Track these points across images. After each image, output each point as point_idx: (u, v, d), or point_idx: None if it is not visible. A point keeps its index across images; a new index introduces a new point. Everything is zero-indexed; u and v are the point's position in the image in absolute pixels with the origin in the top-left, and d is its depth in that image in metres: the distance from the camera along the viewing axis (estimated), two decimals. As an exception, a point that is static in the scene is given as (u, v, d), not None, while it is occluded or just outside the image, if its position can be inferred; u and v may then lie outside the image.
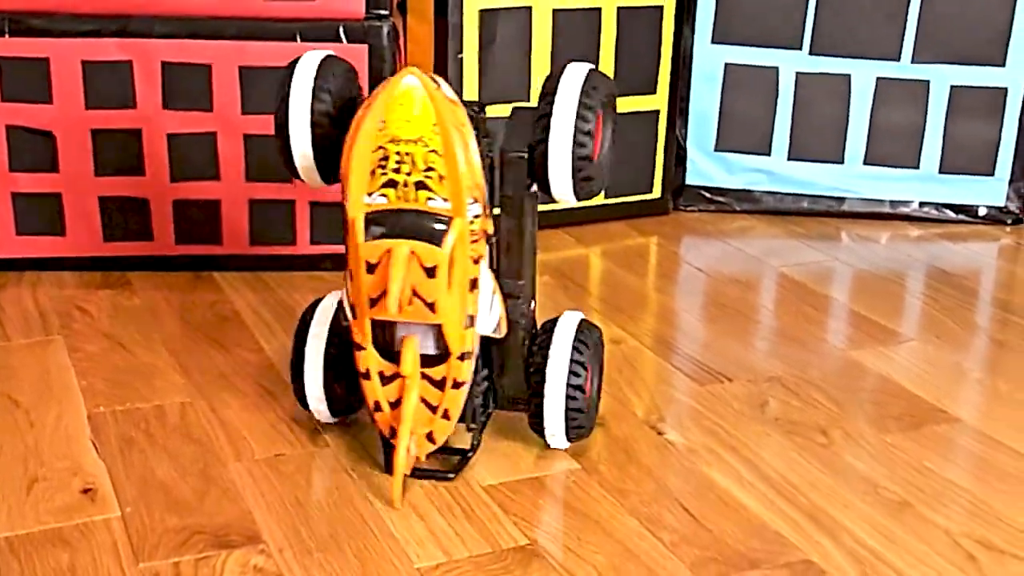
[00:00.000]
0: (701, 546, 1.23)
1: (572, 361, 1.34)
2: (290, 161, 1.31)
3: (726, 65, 2.16)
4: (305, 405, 1.39)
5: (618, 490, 1.32)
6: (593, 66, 1.31)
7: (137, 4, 1.74)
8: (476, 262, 1.25)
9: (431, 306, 1.22)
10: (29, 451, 1.37)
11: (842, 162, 2.20)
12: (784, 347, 1.70)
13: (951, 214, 2.22)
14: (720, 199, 2.24)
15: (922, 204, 2.22)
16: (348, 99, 1.31)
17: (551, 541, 1.23)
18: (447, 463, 1.34)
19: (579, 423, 1.35)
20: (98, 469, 1.33)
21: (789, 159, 2.20)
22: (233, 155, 1.80)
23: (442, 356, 1.26)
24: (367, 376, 1.27)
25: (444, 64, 1.93)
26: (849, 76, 2.16)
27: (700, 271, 1.98)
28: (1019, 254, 2.11)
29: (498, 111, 1.80)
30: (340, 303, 1.34)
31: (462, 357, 1.26)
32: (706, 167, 2.22)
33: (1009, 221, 2.22)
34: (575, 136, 1.26)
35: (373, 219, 1.22)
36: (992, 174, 2.20)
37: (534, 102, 1.33)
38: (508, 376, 1.37)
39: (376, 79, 1.77)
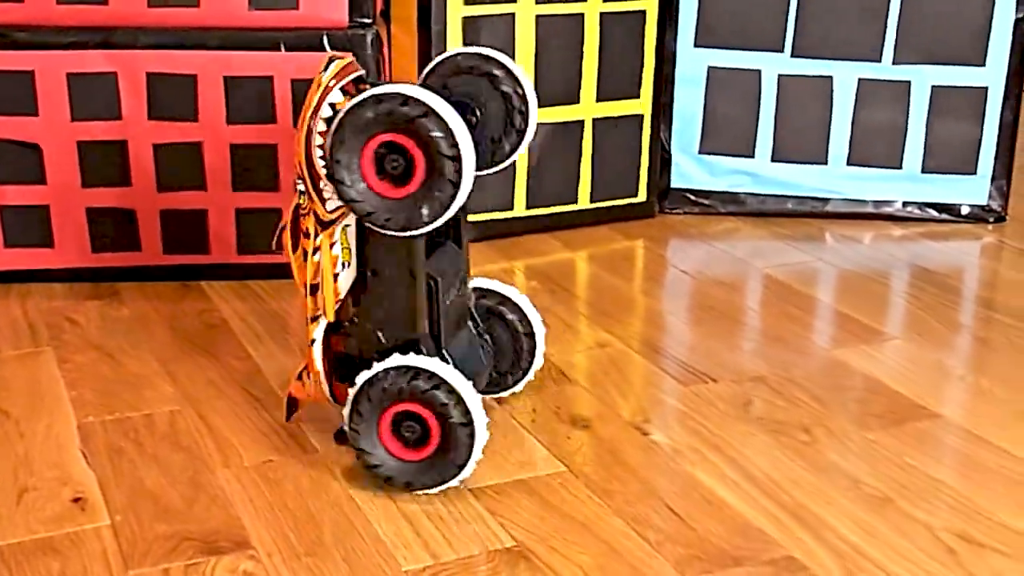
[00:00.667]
0: (686, 544, 1.24)
1: None
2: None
3: (709, 68, 2.18)
4: None
5: (604, 491, 1.33)
6: None
7: (121, 16, 1.76)
8: (307, 236, 1.33)
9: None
10: (19, 461, 1.38)
11: (825, 163, 2.22)
12: (768, 347, 1.71)
13: (934, 213, 2.24)
14: (705, 201, 2.25)
15: (905, 204, 2.24)
16: None
17: (537, 542, 1.24)
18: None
19: None
20: (88, 478, 1.35)
21: (773, 161, 2.22)
22: (219, 165, 1.82)
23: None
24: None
25: (428, 72, 1.94)
26: (831, 78, 2.18)
27: (686, 273, 2.00)
28: (1002, 252, 2.13)
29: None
30: None
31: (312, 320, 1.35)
32: (690, 170, 2.24)
33: (991, 219, 2.24)
34: None
35: None
36: (974, 173, 2.22)
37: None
38: None
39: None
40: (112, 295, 1.84)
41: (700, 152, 2.22)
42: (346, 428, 1.32)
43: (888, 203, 2.24)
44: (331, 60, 1.32)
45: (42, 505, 1.29)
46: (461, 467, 1.29)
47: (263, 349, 1.67)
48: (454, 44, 1.95)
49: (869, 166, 2.22)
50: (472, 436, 1.28)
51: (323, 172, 1.28)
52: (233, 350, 1.66)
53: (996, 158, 2.21)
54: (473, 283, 1.49)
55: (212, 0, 1.75)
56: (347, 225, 1.32)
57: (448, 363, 1.33)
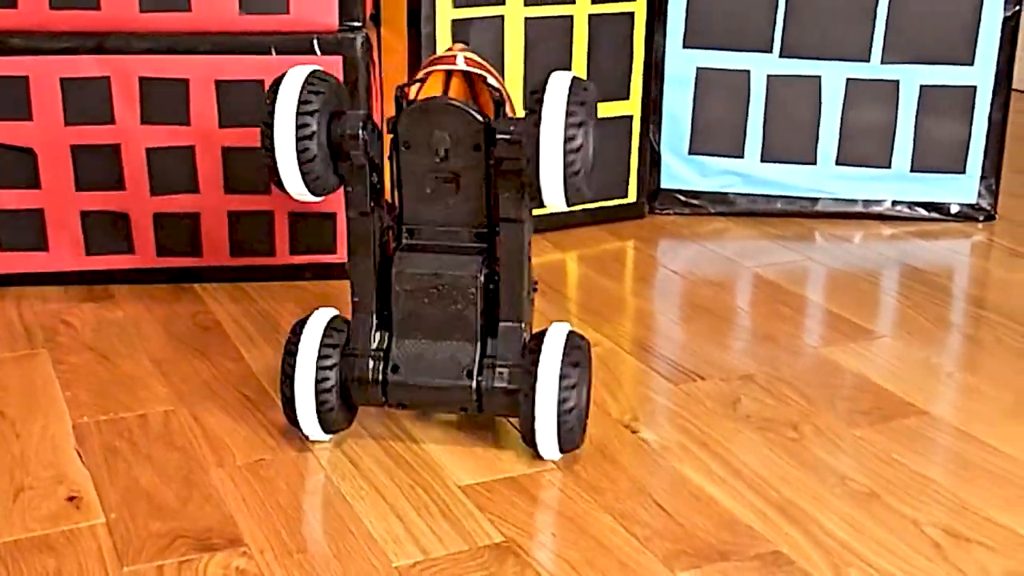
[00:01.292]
0: (673, 540, 1.26)
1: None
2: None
3: (698, 69, 2.20)
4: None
5: (593, 488, 1.35)
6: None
7: (114, 21, 1.77)
8: None
9: None
10: (15, 461, 1.39)
11: (815, 163, 2.23)
12: (757, 346, 1.73)
13: (923, 212, 2.26)
14: (695, 202, 2.27)
15: (895, 203, 2.26)
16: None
17: (526, 538, 1.26)
18: None
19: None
20: (83, 477, 1.36)
21: (762, 161, 2.23)
22: (211, 168, 1.83)
23: None
24: None
25: (418, 74, 1.96)
26: (820, 78, 2.19)
27: (676, 273, 2.01)
28: (991, 250, 2.14)
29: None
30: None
31: None
32: (680, 170, 2.25)
33: (981, 218, 2.25)
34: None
35: None
36: (963, 172, 2.23)
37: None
38: None
39: (350, 90, 1.80)
40: (106, 297, 1.85)
41: (690, 153, 2.24)
42: None
43: (878, 202, 2.26)
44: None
45: (38, 504, 1.31)
46: None
47: (255, 350, 1.68)
48: (444, 47, 1.96)
49: (858, 166, 2.23)
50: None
51: None
52: (226, 351, 1.68)
53: (985, 157, 2.22)
54: None
55: (203, 5, 1.77)
56: None
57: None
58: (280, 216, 1.87)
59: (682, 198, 2.26)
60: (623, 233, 2.18)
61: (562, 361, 1.33)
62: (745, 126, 2.22)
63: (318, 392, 1.36)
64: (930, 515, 1.31)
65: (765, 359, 1.68)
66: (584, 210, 2.18)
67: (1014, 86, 2.23)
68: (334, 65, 1.79)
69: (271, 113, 1.31)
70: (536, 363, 1.33)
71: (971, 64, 2.18)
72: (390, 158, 1.37)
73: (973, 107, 2.20)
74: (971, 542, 1.26)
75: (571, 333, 1.38)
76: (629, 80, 2.15)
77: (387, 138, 1.37)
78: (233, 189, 1.84)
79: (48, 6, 1.75)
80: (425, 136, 1.33)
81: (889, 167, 2.23)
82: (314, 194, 1.34)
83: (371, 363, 1.37)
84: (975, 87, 2.19)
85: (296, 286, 1.89)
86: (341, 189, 1.36)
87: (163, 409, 1.52)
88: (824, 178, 2.24)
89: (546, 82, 1.31)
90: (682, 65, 2.19)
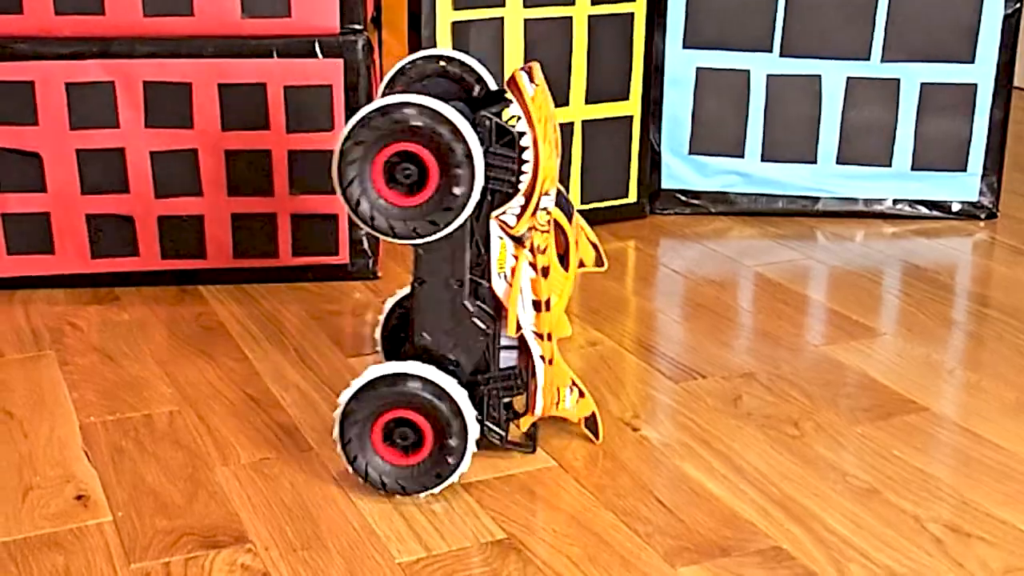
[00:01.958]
0: (675, 536, 1.27)
1: None
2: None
3: (697, 69, 2.20)
4: None
5: (594, 485, 1.36)
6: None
7: (118, 26, 1.78)
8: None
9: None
10: (24, 461, 1.41)
11: (815, 162, 2.24)
12: (758, 344, 1.74)
13: (925, 210, 2.26)
14: (695, 202, 2.27)
15: (896, 201, 2.26)
16: None
17: (528, 535, 1.27)
18: (525, 440, 1.43)
19: None
20: (90, 476, 1.37)
21: (763, 160, 2.24)
22: (215, 171, 1.84)
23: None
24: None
25: (420, 76, 1.97)
26: (820, 77, 2.20)
27: (677, 273, 2.02)
28: (993, 248, 2.15)
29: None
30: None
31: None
32: (681, 170, 2.26)
33: (982, 216, 2.26)
34: None
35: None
36: (964, 170, 2.24)
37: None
38: None
39: (351, 92, 1.82)
40: (112, 300, 1.87)
41: (690, 153, 2.25)
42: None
43: (879, 201, 2.26)
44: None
45: (46, 502, 1.32)
46: None
47: (259, 350, 1.69)
48: (443, 49, 1.97)
49: (859, 164, 2.24)
50: None
51: None
52: (230, 352, 1.69)
53: (986, 154, 2.23)
54: None
55: (206, 9, 1.78)
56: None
57: None
58: (283, 218, 1.88)
59: (683, 198, 2.27)
60: (624, 233, 2.19)
61: None
62: (745, 126, 2.23)
63: None
64: (931, 511, 1.31)
65: (766, 357, 1.69)
66: (585, 210, 2.19)
67: (1015, 84, 2.24)
68: (335, 68, 1.80)
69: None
70: None
71: (972, 62, 2.18)
72: None
73: (974, 105, 2.21)
74: (972, 537, 1.27)
75: None
76: (629, 80, 2.16)
77: None
78: (236, 192, 1.86)
79: (53, 12, 1.77)
80: None
81: (890, 165, 2.24)
82: None
83: None
84: (976, 85, 2.19)
85: (299, 287, 1.90)
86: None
87: (168, 409, 1.53)
88: (825, 177, 2.25)
89: None
90: (682, 65, 2.20)
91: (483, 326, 1.33)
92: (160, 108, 1.81)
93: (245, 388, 1.58)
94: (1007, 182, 2.31)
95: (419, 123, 1.24)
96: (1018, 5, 2.15)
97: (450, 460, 1.30)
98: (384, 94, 1.43)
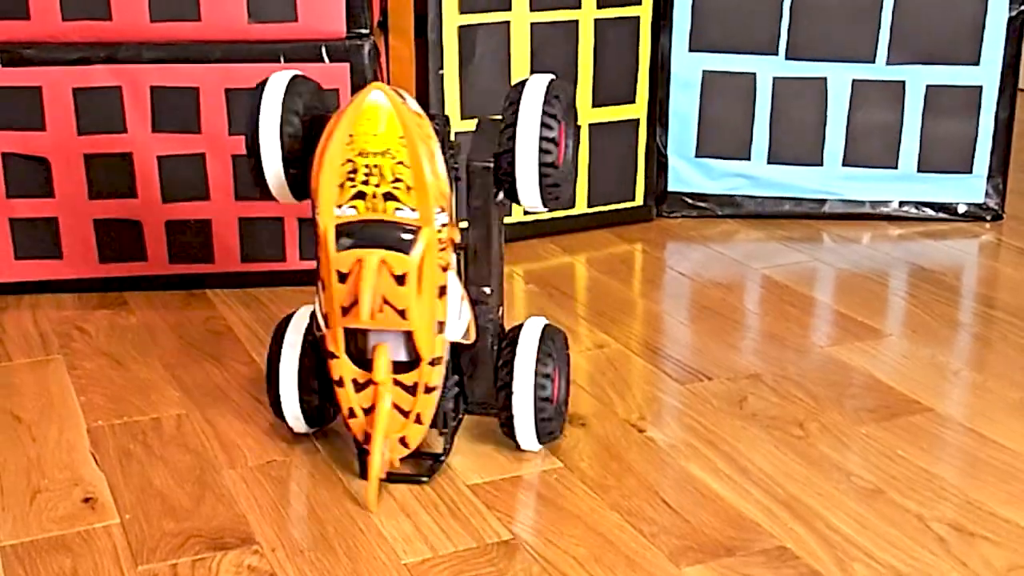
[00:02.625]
0: (680, 536, 1.27)
1: (538, 374, 1.37)
2: (262, 180, 1.35)
3: (704, 72, 2.21)
4: (281, 416, 1.43)
5: (599, 486, 1.36)
6: (554, 76, 1.36)
7: (125, 31, 1.79)
8: (444, 270, 1.30)
9: (402, 313, 1.26)
10: (32, 464, 1.42)
11: (821, 164, 2.25)
12: (765, 345, 1.74)
13: (931, 212, 2.27)
14: (702, 204, 2.28)
15: (902, 203, 2.27)
16: (316, 118, 1.35)
17: (534, 535, 1.27)
18: (421, 467, 1.39)
19: (549, 429, 1.40)
20: (98, 479, 1.38)
21: (769, 163, 2.25)
22: (222, 175, 1.85)
23: (413, 362, 1.30)
24: (340, 384, 1.31)
25: (425, 81, 1.98)
26: (825, 79, 2.21)
27: (683, 276, 2.03)
28: (999, 250, 2.15)
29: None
30: (313, 314, 1.38)
31: (433, 363, 1.30)
32: (687, 173, 2.26)
33: (988, 217, 2.26)
34: (540, 144, 1.30)
35: (343, 230, 1.26)
36: (970, 171, 2.24)
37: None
38: (478, 381, 1.41)
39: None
40: (120, 304, 1.88)
41: (697, 155, 2.25)
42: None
43: (885, 203, 2.27)
44: (369, 89, 1.28)
45: (54, 505, 1.33)
46: None
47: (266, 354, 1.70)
48: (450, 53, 1.98)
49: (865, 166, 2.24)
50: None
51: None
52: (238, 355, 1.70)
53: (992, 156, 2.23)
54: None
55: (213, 14, 1.79)
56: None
57: None
58: (290, 222, 1.89)
59: (689, 201, 2.28)
60: (631, 236, 2.19)
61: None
62: (751, 128, 2.23)
63: None
64: (935, 510, 1.32)
65: (772, 359, 1.69)
66: (592, 214, 2.19)
67: (1020, 85, 2.24)
68: (342, 72, 1.81)
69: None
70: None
71: (977, 64, 2.19)
72: None
73: (979, 106, 2.21)
74: (976, 537, 1.27)
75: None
76: (635, 84, 2.16)
77: None
78: (243, 196, 1.86)
79: (60, 18, 1.78)
80: None
81: (896, 167, 2.24)
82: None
83: None
84: (981, 87, 2.20)
85: (306, 291, 1.90)
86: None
87: (176, 412, 1.54)
88: (831, 179, 2.25)
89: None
90: (688, 68, 2.21)
91: None
92: (167, 113, 1.82)
93: (252, 391, 1.59)
94: (1013, 184, 2.31)
95: None
96: (1023, 7, 2.16)
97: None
98: None
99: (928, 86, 2.20)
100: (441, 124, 1.33)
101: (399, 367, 1.30)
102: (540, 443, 1.41)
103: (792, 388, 1.60)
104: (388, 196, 1.25)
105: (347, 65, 1.82)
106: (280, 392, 1.40)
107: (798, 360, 1.69)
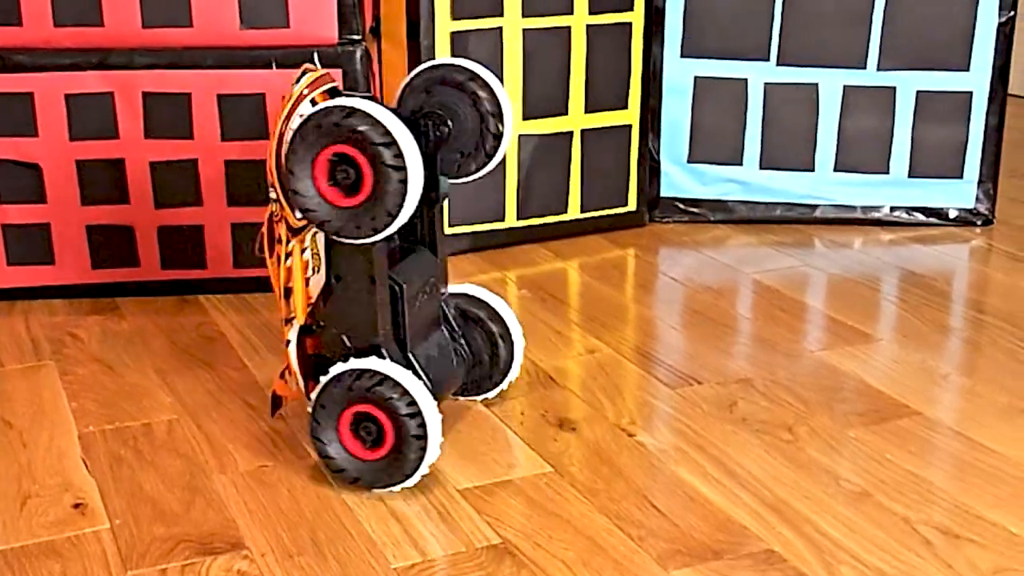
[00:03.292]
0: (668, 539, 1.28)
1: None
2: None
3: (696, 78, 2.22)
4: None
5: (589, 490, 1.37)
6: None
7: (117, 37, 1.80)
8: (279, 242, 1.38)
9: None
10: (23, 469, 1.42)
11: (813, 170, 2.25)
12: (755, 350, 1.74)
13: (922, 217, 2.27)
14: (695, 210, 2.29)
15: (893, 208, 2.27)
16: None
17: (523, 539, 1.28)
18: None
19: None
20: (88, 485, 1.39)
21: (761, 168, 2.25)
22: (214, 181, 1.86)
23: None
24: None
25: (417, 86, 1.98)
26: (817, 85, 2.21)
27: (676, 281, 2.03)
28: (990, 255, 2.16)
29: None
30: None
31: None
32: (680, 179, 2.27)
33: (979, 222, 2.27)
34: None
35: None
36: (961, 177, 2.25)
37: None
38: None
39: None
40: (112, 310, 1.88)
41: (689, 161, 2.26)
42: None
43: (876, 208, 2.27)
44: (304, 71, 1.36)
45: (44, 510, 1.33)
46: (409, 475, 1.34)
47: (258, 359, 1.70)
48: (443, 58, 1.99)
49: (857, 172, 2.25)
50: (424, 448, 1.33)
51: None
52: (230, 361, 1.70)
53: (982, 161, 2.24)
54: (450, 288, 1.53)
55: (205, 20, 1.80)
56: (316, 232, 1.36)
57: (414, 367, 1.37)
58: (282, 227, 1.89)
59: (682, 206, 2.28)
60: (623, 241, 2.20)
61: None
62: (743, 134, 2.24)
63: None
64: (922, 513, 1.32)
65: (763, 363, 1.69)
66: (584, 219, 2.20)
67: (1010, 91, 2.25)
68: (334, 78, 1.81)
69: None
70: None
71: (967, 70, 2.19)
72: None
73: (969, 112, 2.22)
74: (962, 539, 1.28)
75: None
76: (628, 90, 2.17)
77: None
78: (236, 201, 1.87)
79: (52, 23, 1.78)
80: None
81: (887, 173, 2.25)
82: None
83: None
84: (971, 92, 2.20)
85: (299, 296, 1.91)
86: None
87: (167, 418, 1.54)
88: (823, 185, 2.26)
89: None
90: (680, 74, 2.22)
91: None
92: (159, 119, 1.82)
93: (245, 397, 1.59)
94: (1003, 189, 2.32)
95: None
96: (1012, 13, 2.17)
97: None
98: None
99: (919, 92, 2.21)
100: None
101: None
102: None
103: (782, 392, 1.61)
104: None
105: (339, 71, 1.82)
106: None
107: (789, 364, 1.69)
